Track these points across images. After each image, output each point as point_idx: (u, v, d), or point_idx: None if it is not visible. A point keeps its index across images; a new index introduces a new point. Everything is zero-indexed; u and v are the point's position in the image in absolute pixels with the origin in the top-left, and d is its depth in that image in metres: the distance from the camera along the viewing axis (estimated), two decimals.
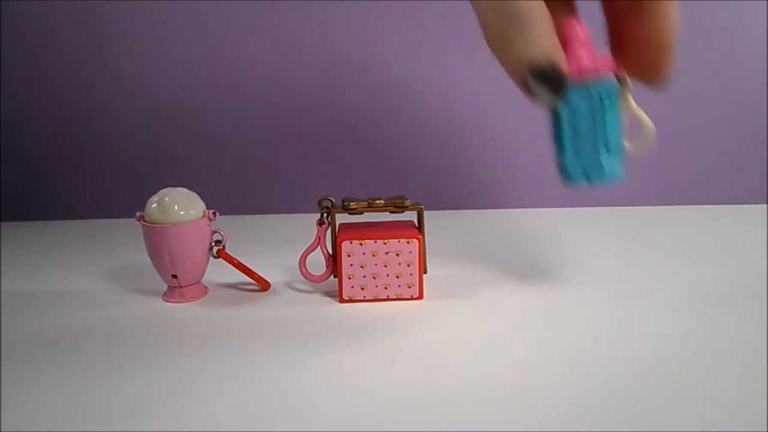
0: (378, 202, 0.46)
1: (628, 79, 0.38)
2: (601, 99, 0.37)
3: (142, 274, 0.54)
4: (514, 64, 0.33)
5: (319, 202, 0.46)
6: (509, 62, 0.33)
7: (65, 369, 0.35)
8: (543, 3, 0.32)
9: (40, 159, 0.89)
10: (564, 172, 0.40)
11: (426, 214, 0.46)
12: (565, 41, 0.36)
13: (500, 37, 0.32)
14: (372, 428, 0.28)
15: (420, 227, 0.46)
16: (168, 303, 0.47)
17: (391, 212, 0.46)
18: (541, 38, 0.32)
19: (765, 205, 0.77)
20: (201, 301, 0.48)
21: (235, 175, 0.87)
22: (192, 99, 0.85)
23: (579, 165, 0.39)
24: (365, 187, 0.86)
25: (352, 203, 0.46)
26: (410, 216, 0.48)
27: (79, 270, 0.58)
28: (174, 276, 0.46)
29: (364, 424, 0.28)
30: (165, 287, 0.48)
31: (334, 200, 0.46)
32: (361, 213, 0.46)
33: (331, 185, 0.86)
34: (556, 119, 0.39)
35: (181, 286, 0.47)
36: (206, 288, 0.49)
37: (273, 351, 0.37)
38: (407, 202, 0.46)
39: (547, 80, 0.33)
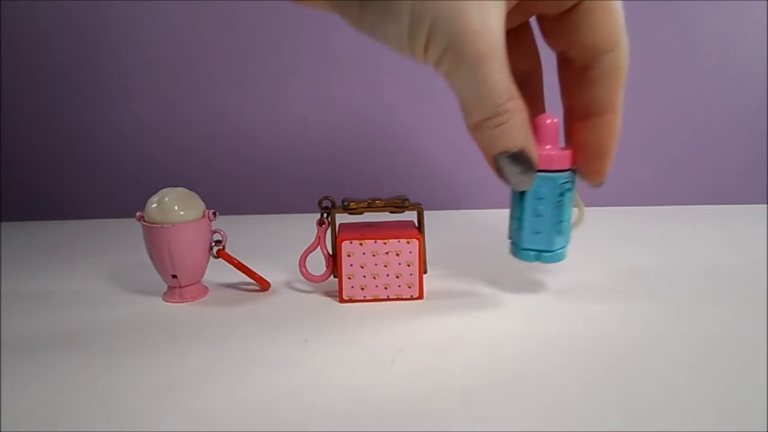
0: (378, 202, 0.46)
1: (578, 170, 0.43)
2: (561, 187, 0.41)
3: (142, 274, 0.54)
4: (489, 148, 0.36)
5: (319, 202, 0.46)
6: (484, 145, 0.36)
7: (65, 369, 0.35)
8: (522, 100, 0.34)
9: (40, 159, 0.89)
10: (518, 249, 0.44)
11: (426, 214, 0.46)
12: (536, 135, 0.40)
13: (479, 124, 0.34)
14: (372, 428, 0.28)
15: (420, 227, 0.46)
16: (168, 303, 0.47)
17: (391, 212, 0.46)
18: (517, 132, 0.35)
19: (765, 205, 0.77)
20: (201, 301, 0.48)
21: (235, 175, 0.87)
22: (192, 99, 0.85)
23: (534, 244, 0.43)
24: (365, 187, 0.86)
25: (352, 203, 0.46)
26: (410, 216, 0.48)
27: (79, 270, 0.58)
28: (174, 276, 0.46)
29: (364, 424, 0.28)
30: (165, 287, 0.48)
31: (334, 200, 0.46)
32: (361, 213, 0.46)
33: (331, 185, 0.86)
34: (518, 201, 0.42)
35: (181, 286, 0.47)
36: (206, 288, 0.49)
37: (273, 351, 0.37)
38: (407, 202, 0.46)
39: (518, 162, 0.36)
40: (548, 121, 0.40)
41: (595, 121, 0.37)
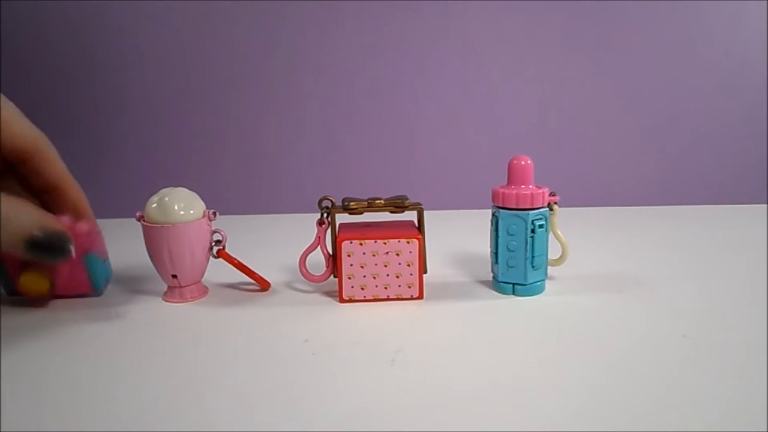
0: (378, 202, 0.46)
1: (556, 207, 0.46)
2: (533, 224, 0.44)
3: (142, 274, 0.54)
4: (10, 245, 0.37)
5: (319, 202, 0.46)
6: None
7: (65, 369, 0.35)
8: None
9: None
10: (496, 282, 0.47)
11: (426, 214, 0.46)
12: (511, 174, 0.45)
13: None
14: (372, 428, 0.28)
15: (420, 227, 0.46)
16: (168, 303, 0.47)
17: (391, 212, 0.46)
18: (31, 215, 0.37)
19: (765, 205, 0.77)
20: (201, 301, 0.48)
21: (235, 175, 0.87)
22: (193, 99, 0.85)
23: (509, 277, 0.46)
24: (365, 187, 0.86)
25: (352, 203, 0.46)
26: (410, 216, 0.48)
27: None
28: (174, 276, 0.46)
29: (364, 424, 0.28)
30: (165, 287, 0.48)
31: (334, 200, 0.46)
32: (361, 213, 0.46)
33: (331, 185, 0.86)
34: (494, 236, 0.46)
35: (181, 286, 0.47)
36: (206, 288, 0.49)
37: (273, 351, 0.37)
38: (407, 202, 0.46)
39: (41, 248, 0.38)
40: (522, 162, 0.45)
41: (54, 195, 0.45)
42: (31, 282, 0.45)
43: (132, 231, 0.50)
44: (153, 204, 0.45)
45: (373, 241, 0.44)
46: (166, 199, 0.45)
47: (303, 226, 0.54)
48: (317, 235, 0.47)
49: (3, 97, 0.42)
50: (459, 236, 0.66)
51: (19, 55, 0.85)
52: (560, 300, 0.45)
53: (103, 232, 0.51)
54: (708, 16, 0.79)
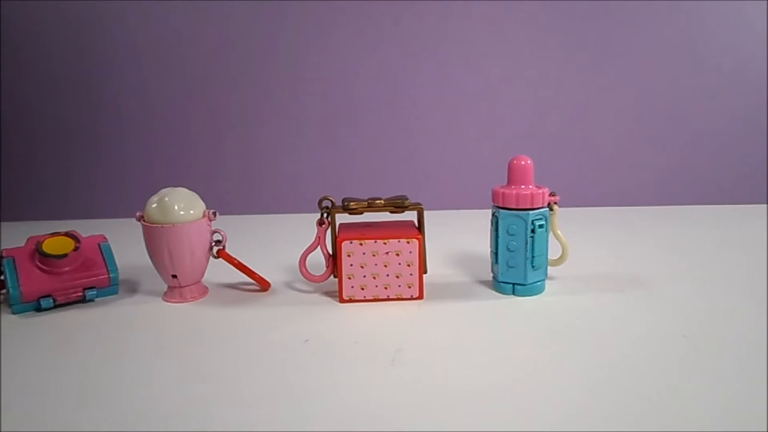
0: (378, 202, 0.46)
1: (556, 207, 0.46)
2: (533, 224, 0.44)
3: (142, 274, 0.54)
4: None
5: (319, 202, 0.46)
6: None
7: (66, 369, 0.35)
8: None
9: (40, 159, 0.89)
10: (496, 282, 0.47)
11: (426, 214, 0.46)
12: (511, 174, 0.45)
13: None
14: (371, 428, 0.28)
15: (420, 227, 0.46)
16: (168, 303, 0.47)
17: (391, 212, 0.46)
18: None
19: (765, 205, 0.77)
20: (201, 301, 0.48)
21: (235, 175, 0.87)
22: (192, 99, 0.85)
23: (509, 277, 0.46)
24: (365, 187, 0.86)
25: (352, 203, 0.46)
26: (410, 216, 0.48)
27: None
28: (174, 276, 0.46)
29: (363, 424, 0.28)
30: (165, 287, 0.48)
31: (334, 200, 0.46)
32: (361, 213, 0.46)
33: (331, 185, 0.86)
34: (494, 237, 0.46)
35: (181, 286, 0.47)
36: (206, 288, 0.49)
37: (273, 351, 0.37)
38: (407, 202, 0.46)
39: None
40: (522, 162, 0.45)
41: None
42: (56, 242, 0.46)
43: (132, 231, 0.50)
44: (153, 204, 0.45)
45: (373, 241, 0.44)
46: (166, 199, 0.45)
47: (303, 226, 0.54)
48: (317, 235, 0.47)
49: None
50: (459, 236, 0.66)
51: (19, 55, 0.86)
52: (560, 300, 0.45)
53: (104, 232, 0.51)
54: (708, 16, 0.79)
